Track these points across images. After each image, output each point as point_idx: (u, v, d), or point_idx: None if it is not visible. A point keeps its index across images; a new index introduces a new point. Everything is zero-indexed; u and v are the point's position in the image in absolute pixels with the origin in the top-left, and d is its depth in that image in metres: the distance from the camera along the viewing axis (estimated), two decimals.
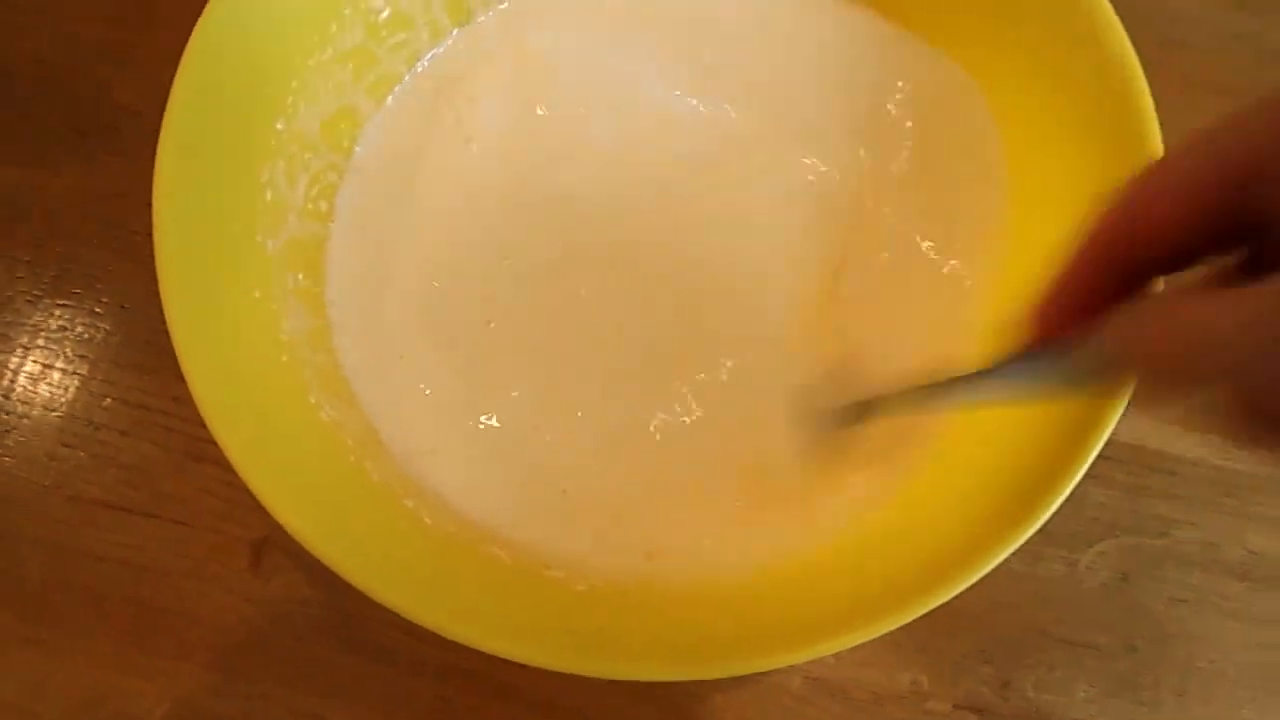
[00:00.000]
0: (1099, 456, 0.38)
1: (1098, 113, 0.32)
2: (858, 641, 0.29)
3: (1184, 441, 0.40)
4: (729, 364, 0.36)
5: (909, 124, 0.38)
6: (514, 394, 0.36)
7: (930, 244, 0.37)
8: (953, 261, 0.37)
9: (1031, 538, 0.38)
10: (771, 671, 0.37)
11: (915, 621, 0.37)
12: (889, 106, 0.38)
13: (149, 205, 0.40)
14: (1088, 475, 0.38)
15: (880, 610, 0.28)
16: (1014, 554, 0.37)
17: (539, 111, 0.38)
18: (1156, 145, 0.30)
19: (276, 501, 0.29)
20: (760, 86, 0.38)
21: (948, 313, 0.36)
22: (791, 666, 0.37)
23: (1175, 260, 0.22)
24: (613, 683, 0.36)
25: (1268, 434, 0.19)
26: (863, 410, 0.32)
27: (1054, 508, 0.30)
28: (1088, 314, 0.23)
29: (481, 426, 0.36)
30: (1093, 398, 0.30)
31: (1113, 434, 0.39)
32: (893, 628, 0.29)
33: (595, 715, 0.37)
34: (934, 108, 0.37)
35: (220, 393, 0.29)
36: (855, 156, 0.38)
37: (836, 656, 0.37)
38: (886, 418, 0.31)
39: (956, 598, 0.37)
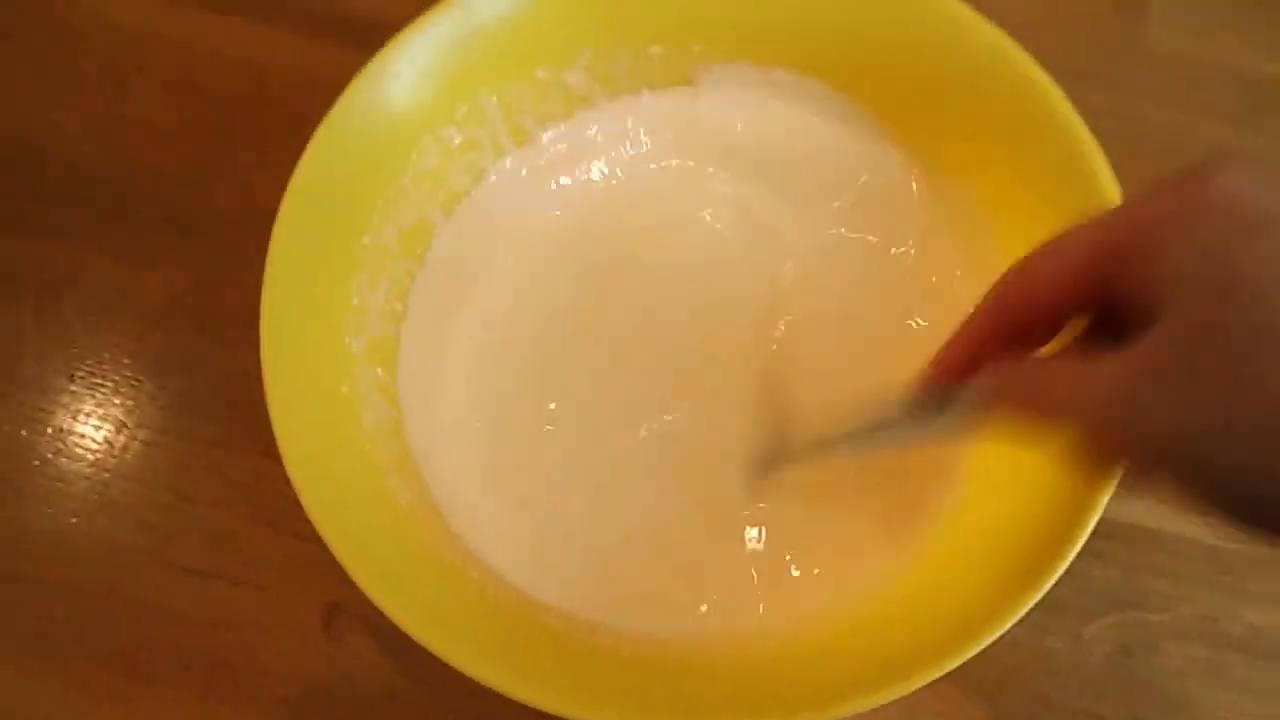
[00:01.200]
0: (1101, 536, 0.42)
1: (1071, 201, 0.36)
2: (879, 703, 0.32)
3: (1181, 522, 0.43)
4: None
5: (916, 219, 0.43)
6: (562, 484, 0.40)
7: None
8: None
9: (1037, 612, 0.41)
10: None
11: (926, 689, 0.41)
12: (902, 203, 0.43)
13: (241, 295, 0.45)
14: (1091, 553, 0.42)
15: (903, 672, 0.31)
16: (1021, 627, 0.41)
17: (582, 221, 0.43)
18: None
19: (358, 570, 0.32)
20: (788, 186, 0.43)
21: None
22: None
23: (1047, 327, 0.28)
24: None
25: (1100, 466, 0.26)
26: (776, 457, 0.37)
27: (1051, 583, 0.33)
28: (976, 368, 0.29)
29: (533, 513, 0.40)
30: (1086, 480, 0.33)
31: (1113, 515, 0.42)
32: (916, 687, 0.32)
33: None
34: (937, 205, 0.42)
35: (312, 476, 0.33)
36: (867, 242, 0.42)
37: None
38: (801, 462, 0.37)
39: (967, 667, 0.40)
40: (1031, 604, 0.33)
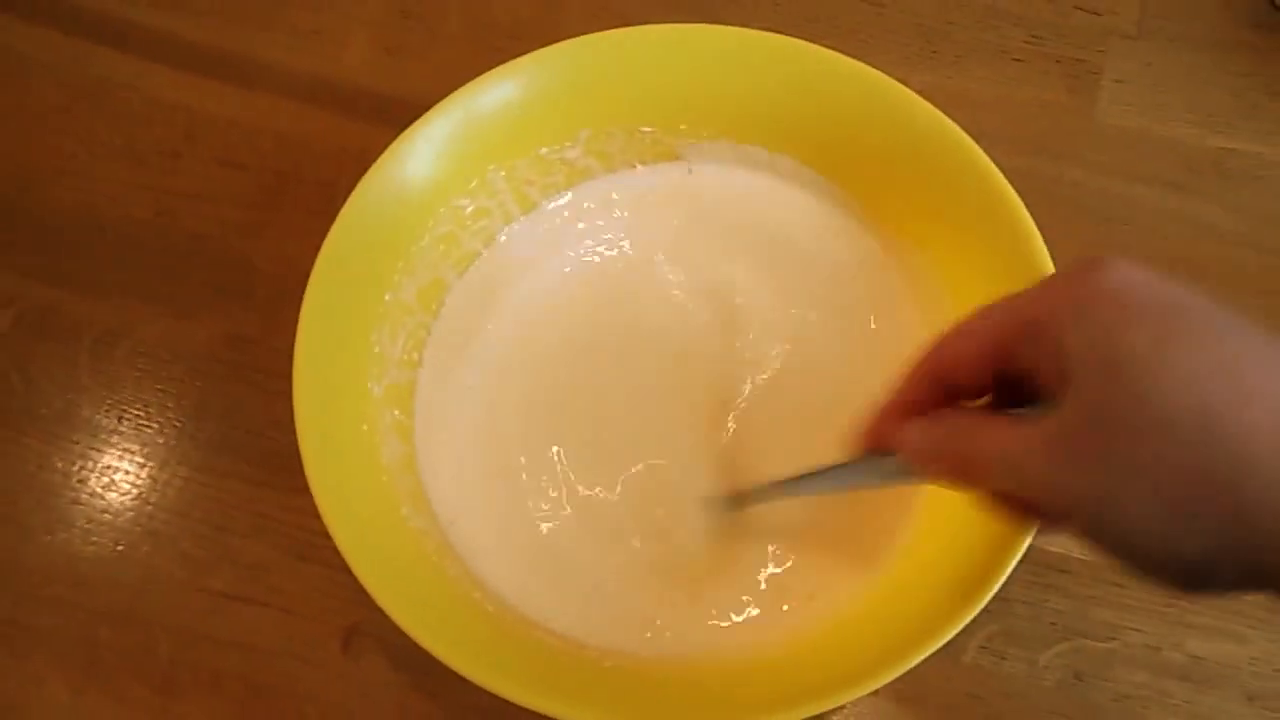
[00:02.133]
0: (1055, 570, 0.46)
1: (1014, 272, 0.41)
2: (839, 703, 0.36)
3: None
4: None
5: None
6: (560, 515, 0.44)
7: None
8: None
9: (996, 639, 0.45)
10: None
11: (896, 708, 0.44)
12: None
13: (275, 348, 0.49)
14: (1046, 585, 0.46)
15: (866, 673, 0.35)
16: (982, 652, 0.45)
17: (578, 283, 0.48)
18: None
19: (376, 589, 0.36)
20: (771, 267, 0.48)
21: None
22: None
23: (965, 396, 0.31)
24: None
25: (1016, 519, 0.30)
26: (739, 500, 0.42)
27: (982, 604, 0.36)
28: (893, 435, 0.32)
29: (530, 541, 0.44)
30: (1008, 525, 0.37)
31: (1067, 550, 0.46)
32: (870, 690, 0.35)
33: None
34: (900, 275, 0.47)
35: (337, 505, 0.38)
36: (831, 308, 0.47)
37: None
38: (759, 503, 0.42)
39: (932, 689, 0.44)
40: (965, 622, 0.36)
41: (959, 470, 0.30)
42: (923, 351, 0.32)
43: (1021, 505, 0.30)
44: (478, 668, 0.36)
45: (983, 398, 0.31)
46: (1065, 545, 0.46)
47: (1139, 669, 0.44)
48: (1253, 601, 0.45)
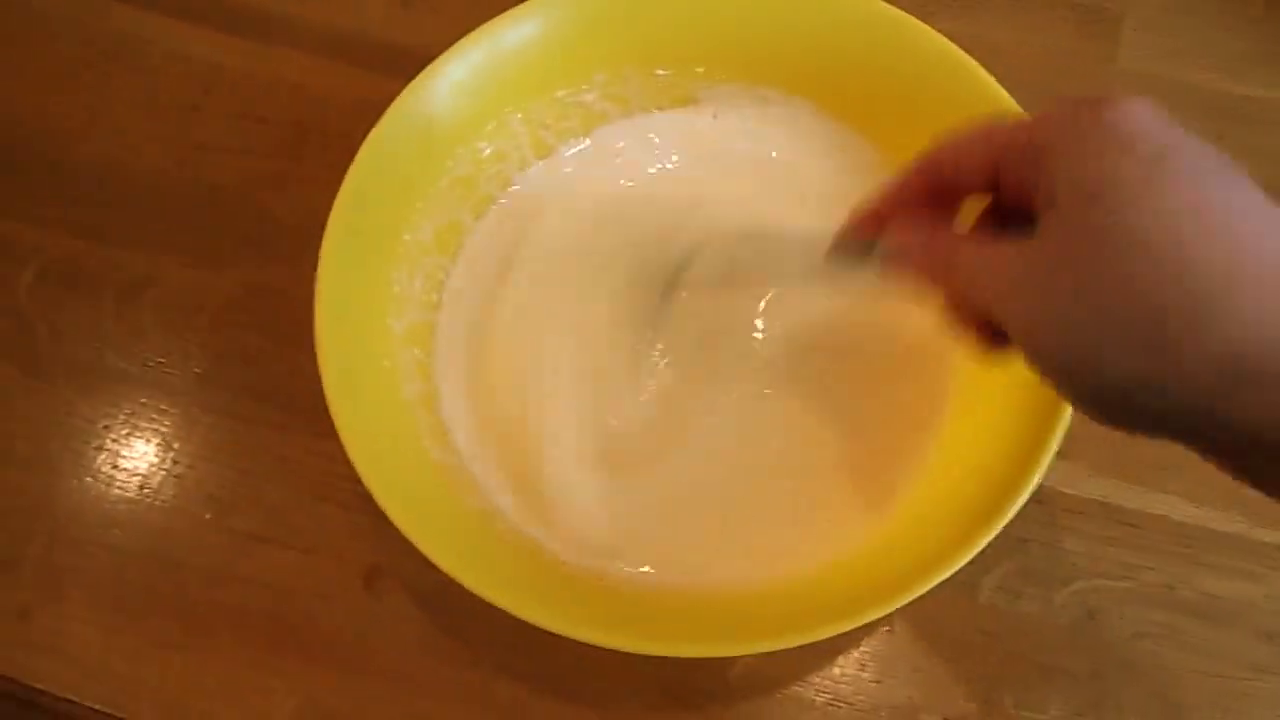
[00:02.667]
0: (1071, 511, 0.46)
1: None
2: (867, 619, 0.36)
3: (1146, 499, 0.46)
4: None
5: None
6: (579, 448, 0.45)
7: None
8: None
9: (1011, 578, 0.45)
10: (793, 683, 0.44)
11: (912, 645, 0.45)
12: None
13: (297, 299, 0.50)
14: (1061, 526, 0.46)
15: (878, 599, 0.36)
16: (998, 591, 0.45)
17: (596, 222, 0.48)
18: None
19: (398, 517, 0.37)
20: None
21: None
22: (810, 680, 0.44)
23: (953, 198, 0.32)
24: (658, 689, 0.44)
25: (964, 331, 0.31)
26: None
27: (997, 530, 0.37)
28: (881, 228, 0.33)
29: (550, 475, 0.44)
30: (1027, 450, 0.38)
31: (1082, 492, 0.47)
32: (883, 613, 0.36)
33: (642, 716, 0.44)
34: None
35: (360, 438, 0.38)
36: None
37: (844, 673, 0.44)
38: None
39: (948, 627, 0.44)
40: (976, 550, 0.37)
41: (932, 272, 0.31)
42: (925, 150, 0.32)
43: (977, 324, 0.31)
44: (502, 593, 0.36)
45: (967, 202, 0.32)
46: (1082, 487, 0.47)
47: (1154, 607, 0.45)
48: (1269, 541, 0.45)
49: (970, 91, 0.43)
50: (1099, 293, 0.24)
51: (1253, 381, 0.23)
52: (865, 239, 0.34)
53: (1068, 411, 0.38)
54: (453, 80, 0.44)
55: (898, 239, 0.33)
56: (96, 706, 0.45)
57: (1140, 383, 0.24)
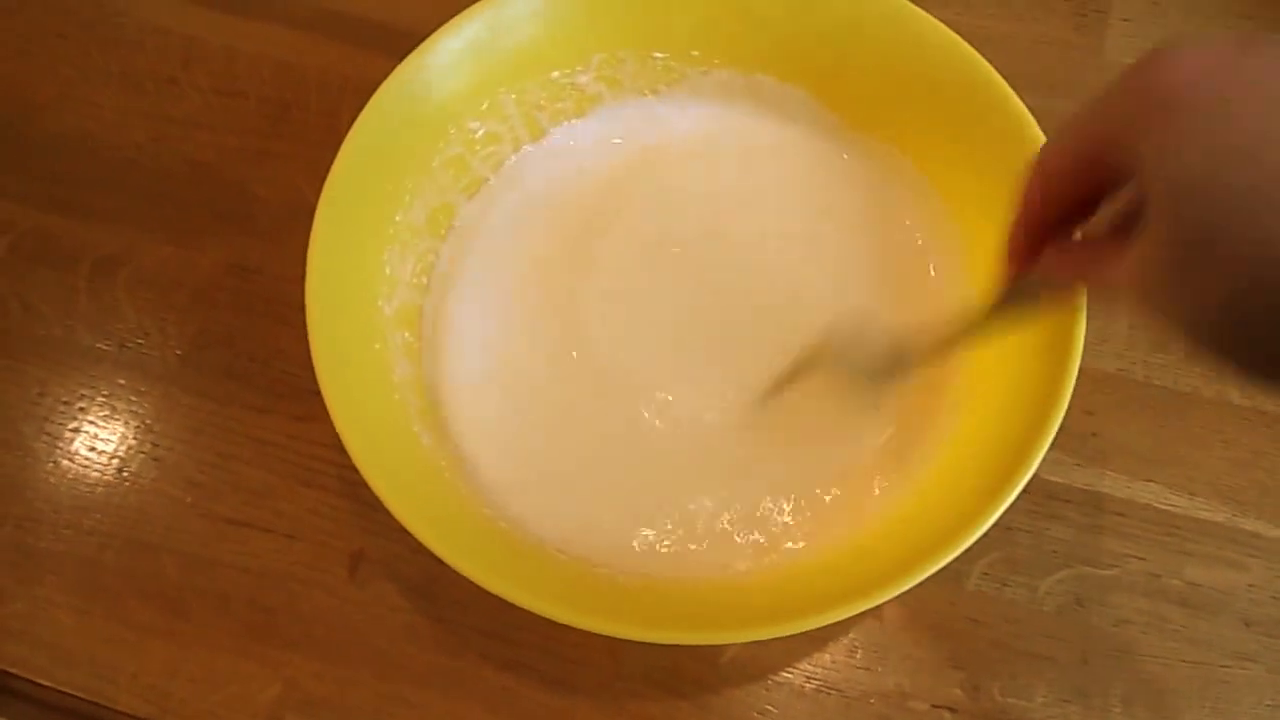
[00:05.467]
0: (1058, 500, 0.47)
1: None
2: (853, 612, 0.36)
3: (1131, 489, 0.46)
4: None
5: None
6: (567, 431, 0.44)
7: None
8: None
9: (998, 567, 0.46)
10: (783, 670, 0.44)
11: (900, 633, 0.45)
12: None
13: (278, 278, 0.49)
14: (1048, 515, 0.46)
15: (865, 590, 0.36)
16: (985, 579, 0.45)
17: (585, 205, 0.48)
18: None
19: (389, 497, 0.36)
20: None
21: None
22: (799, 667, 0.44)
23: (1077, 211, 0.30)
24: (646, 678, 0.44)
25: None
26: (895, 361, 0.41)
27: (986, 527, 0.37)
28: (1035, 256, 0.32)
29: (538, 459, 0.44)
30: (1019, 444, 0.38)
31: (1069, 481, 0.47)
32: (874, 604, 0.36)
33: (630, 704, 0.43)
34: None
35: (352, 421, 0.37)
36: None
37: (834, 660, 0.44)
38: (917, 365, 0.40)
39: (936, 615, 0.45)
40: (965, 546, 0.36)
41: (1091, 288, 0.31)
42: (1022, 179, 0.31)
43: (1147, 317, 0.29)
44: (493, 578, 0.36)
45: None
46: (1067, 476, 0.47)
47: (1138, 595, 0.45)
48: (1252, 530, 0.46)
49: (969, 82, 0.42)
50: (1219, 294, 0.23)
51: None
52: (1020, 273, 0.33)
53: (1062, 406, 0.38)
54: (446, 58, 0.43)
55: (1052, 267, 0.31)
56: (72, 692, 0.44)
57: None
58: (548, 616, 0.36)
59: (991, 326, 0.35)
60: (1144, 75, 0.25)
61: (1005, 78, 0.43)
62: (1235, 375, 0.25)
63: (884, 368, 0.41)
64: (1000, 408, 0.41)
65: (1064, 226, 0.31)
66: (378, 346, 0.41)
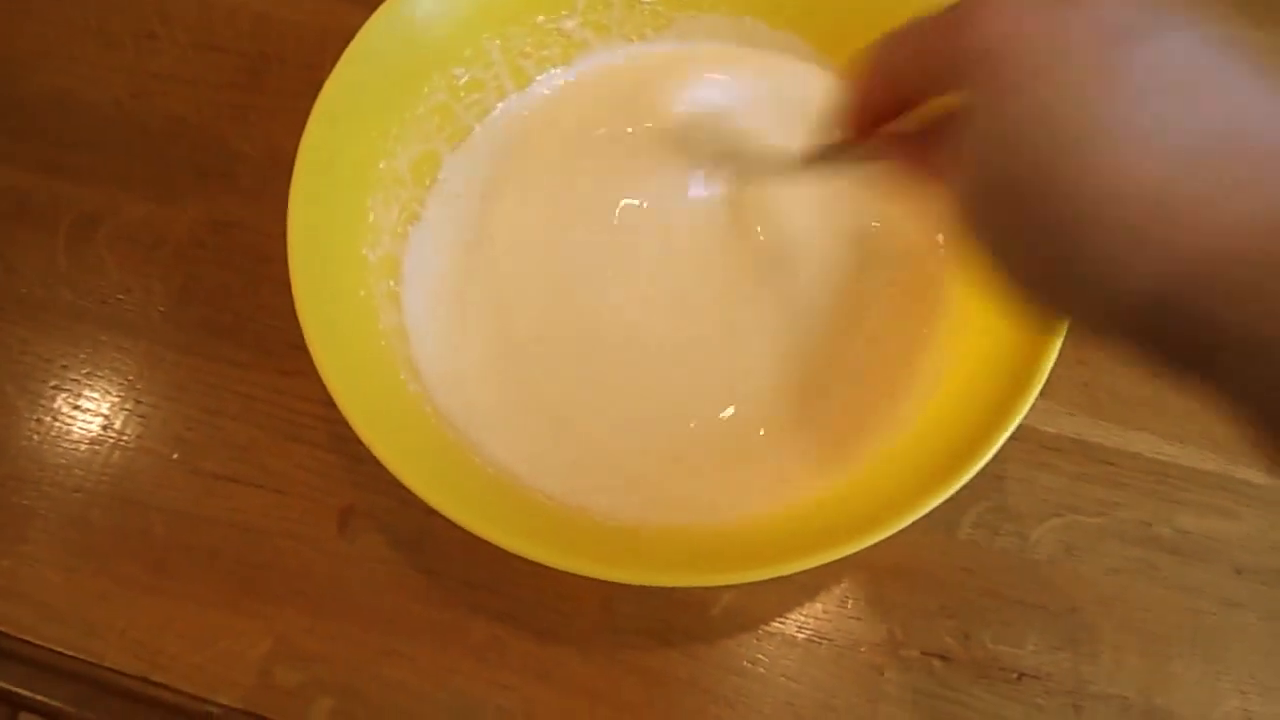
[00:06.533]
0: (1048, 448, 0.46)
1: None
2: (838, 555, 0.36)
3: (1122, 437, 0.46)
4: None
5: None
6: (553, 378, 0.44)
7: None
8: None
9: (989, 515, 0.46)
10: (775, 620, 0.44)
11: (891, 582, 0.45)
12: None
13: (260, 233, 0.48)
14: (1039, 464, 0.46)
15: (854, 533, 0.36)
16: (976, 528, 0.45)
17: (569, 154, 0.47)
18: None
19: (378, 446, 0.36)
20: None
21: None
22: (790, 617, 0.44)
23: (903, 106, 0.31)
24: (638, 628, 0.43)
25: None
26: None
27: (975, 470, 0.37)
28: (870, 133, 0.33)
29: (525, 406, 0.43)
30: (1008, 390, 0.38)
31: (1059, 430, 0.47)
32: (862, 546, 0.36)
33: (621, 654, 0.43)
34: None
35: (338, 370, 0.37)
36: None
37: (825, 609, 0.44)
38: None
39: (926, 564, 0.45)
40: (953, 490, 0.36)
41: (913, 178, 0.33)
42: (860, 68, 0.31)
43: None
44: (484, 524, 0.35)
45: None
46: (1058, 424, 0.47)
47: (1130, 544, 0.45)
48: (1243, 479, 0.46)
49: None
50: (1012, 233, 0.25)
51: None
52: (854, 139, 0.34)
53: (1053, 350, 0.38)
54: (427, 2, 0.42)
55: (880, 149, 0.33)
56: (59, 649, 0.44)
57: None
58: (539, 561, 0.35)
59: (812, 168, 0.37)
60: (973, 15, 0.26)
61: None
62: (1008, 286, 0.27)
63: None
64: (989, 355, 0.41)
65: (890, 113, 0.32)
66: (362, 294, 0.41)
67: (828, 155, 0.36)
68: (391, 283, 0.43)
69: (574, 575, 0.36)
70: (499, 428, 0.43)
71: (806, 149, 0.37)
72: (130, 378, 0.48)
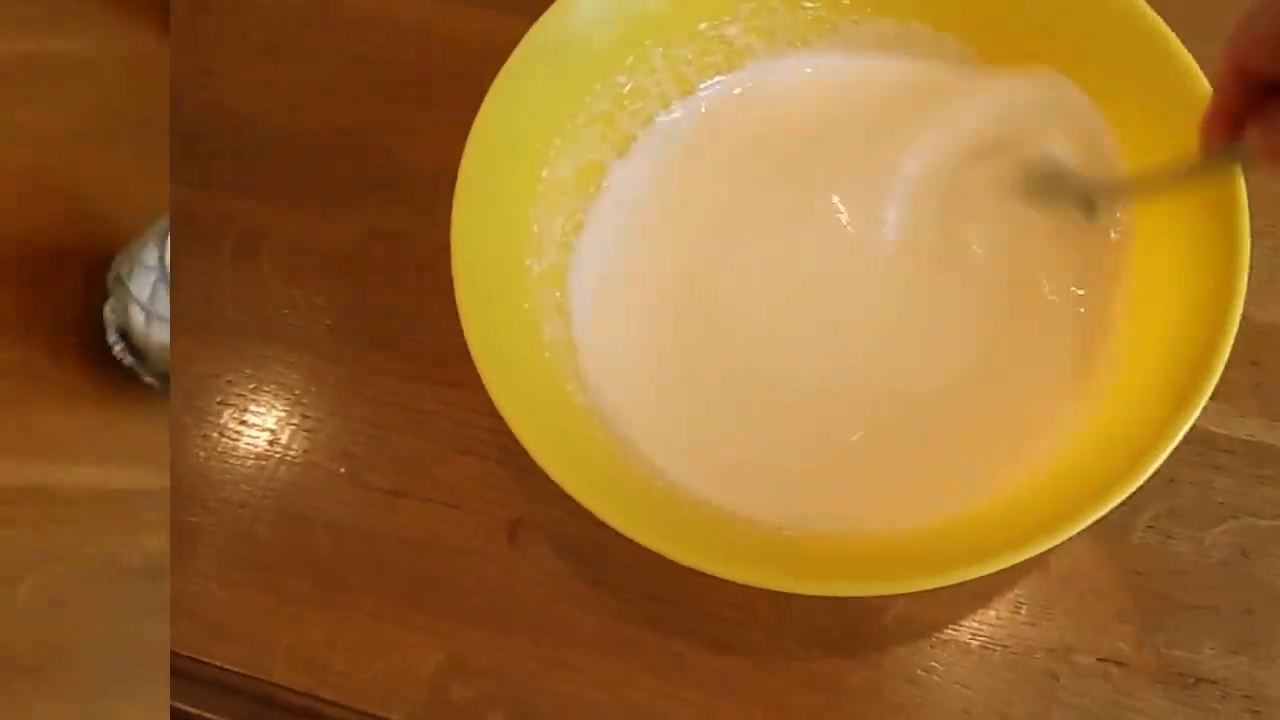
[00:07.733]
0: (1222, 451, 0.46)
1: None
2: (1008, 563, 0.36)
3: None
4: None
5: None
6: (723, 391, 0.44)
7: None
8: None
9: (1162, 519, 0.45)
10: (948, 627, 0.44)
11: (1064, 587, 0.44)
12: None
13: (422, 246, 0.49)
14: (1213, 466, 0.46)
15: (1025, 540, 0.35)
16: (1149, 531, 0.45)
17: (737, 163, 0.47)
18: None
19: (545, 460, 0.36)
20: None
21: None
22: (964, 624, 0.44)
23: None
24: (810, 638, 0.43)
25: None
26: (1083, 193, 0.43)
27: (1146, 476, 0.36)
28: (1238, 125, 0.32)
29: (695, 420, 0.43)
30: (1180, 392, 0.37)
31: (1233, 432, 0.46)
32: (1037, 551, 0.35)
33: (795, 664, 0.43)
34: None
35: (503, 383, 0.37)
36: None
37: (999, 615, 0.44)
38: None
39: (1099, 567, 0.44)
40: (1125, 494, 0.36)
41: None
42: (1223, 52, 0.31)
43: None
44: (655, 536, 0.35)
45: None
46: (1231, 427, 0.46)
47: None
48: None
49: (1138, 32, 0.41)
50: None
51: None
52: (1224, 141, 0.34)
53: (1224, 351, 0.37)
54: (590, 10, 0.43)
55: (1258, 137, 0.32)
56: (228, 666, 0.44)
57: None
58: (710, 572, 0.35)
59: (1182, 184, 0.38)
60: None
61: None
62: None
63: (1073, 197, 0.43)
64: (1160, 358, 0.40)
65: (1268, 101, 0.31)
66: (527, 306, 0.41)
67: (1214, 156, 0.35)
68: (558, 294, 0.44)
69: (743, 585, 0.36)
70: (667, 438, 0.43)
71: (1179, 166, 0.37)
72: (296, 392, 0.48)
